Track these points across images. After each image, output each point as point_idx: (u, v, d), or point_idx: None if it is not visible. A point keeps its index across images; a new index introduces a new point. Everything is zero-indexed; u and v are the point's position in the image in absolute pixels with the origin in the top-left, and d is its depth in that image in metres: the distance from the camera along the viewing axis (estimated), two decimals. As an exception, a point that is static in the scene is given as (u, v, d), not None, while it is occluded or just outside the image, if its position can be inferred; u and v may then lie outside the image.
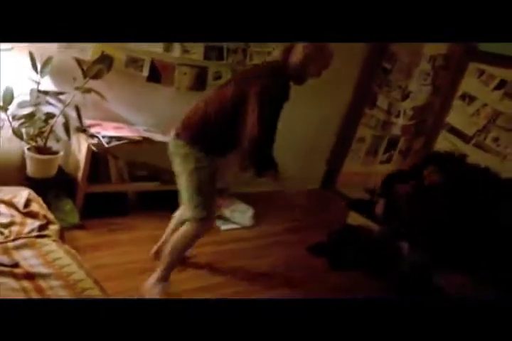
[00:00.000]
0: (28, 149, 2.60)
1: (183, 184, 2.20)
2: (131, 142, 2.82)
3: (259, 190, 3.73)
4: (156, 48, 2.95)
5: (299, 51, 2.06)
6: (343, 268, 3.05)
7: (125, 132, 2.86)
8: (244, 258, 2.92)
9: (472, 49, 3.79)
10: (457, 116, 3.88)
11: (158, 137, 3.01)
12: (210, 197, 2.20)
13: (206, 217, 2.18)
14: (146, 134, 2.97)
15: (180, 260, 2.35)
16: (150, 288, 2.22)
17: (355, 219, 3.48)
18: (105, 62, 2.64)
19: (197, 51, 3.14)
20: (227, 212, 3.38)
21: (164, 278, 2.25)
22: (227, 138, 2.14)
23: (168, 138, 3.03)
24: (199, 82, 3.26)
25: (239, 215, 3.40)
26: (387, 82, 4.50)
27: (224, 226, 3.28)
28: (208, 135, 2.14)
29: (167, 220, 3.08)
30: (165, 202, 3.22)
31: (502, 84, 3.53)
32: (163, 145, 3.00)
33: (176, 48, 3.03)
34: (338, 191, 4.53)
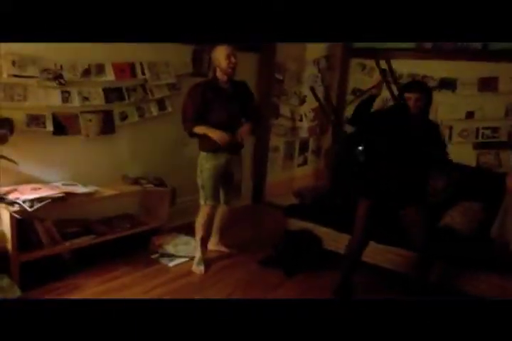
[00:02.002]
0: None
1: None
2: (54, 200, 2.69)
3: (193, 219, 3.72)
4: (54, 101, 2.87)
5: (218, 68, 2.98)
6: (297, 272, 3.14)
7: (45, 191, 2.72)
8: (202, 288, 2.90)
9: (348, 47, 4.15)
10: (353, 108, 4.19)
11: (79, 189, 2.91)
12: (210, 191, 3.08)
13: (205, 204, 3.10)
14: (67, 189, 2.85)
15: (206, 234, 3.21)
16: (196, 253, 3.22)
17: (294, 224, 3.60)
18: (5, 125, 2.52)
19: (96, 96, 3.10)
20: (170, 248, 3.33)
21: (203, 246, 3.21)
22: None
23: (91, 188, 2.97)
24: (107, 126, 3.22)
25: (183, 248, 3.36)
26: (283, 91, 4.76)
27: (171, 263, 3.21)
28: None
29: (109, 272, 2.97)
30: (103, 254, 3.12)
31: (383, 73, 3.89)
32: (88, 196, 2.93)
33: (75, 98, 2.97)
34: (269, 202, 4.66)
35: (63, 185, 2.95)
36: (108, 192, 3.08)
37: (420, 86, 2.67)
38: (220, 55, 2.92)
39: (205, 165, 3.03)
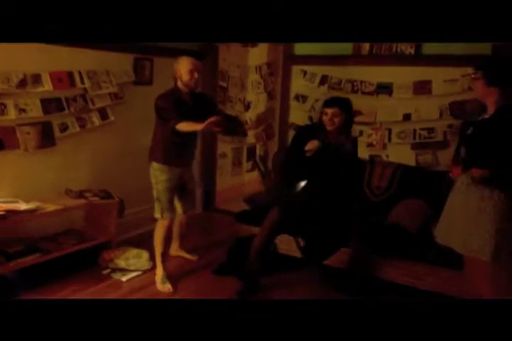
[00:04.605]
0: None
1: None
2: (-7, 219, 2.54)
3: (142, 231, 3.68)
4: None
5: (179, 80, 2.86)
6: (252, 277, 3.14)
7: (-18, 210, 2.55)
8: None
9: (290, 54, 4.23)
10: (297, 114, 4.27)
11: (22, 206, 2.76)
12: (166, 203, 2.98)
13: (162, 217, 3.00)
14: (8, 206, 2.69)
15: (166, 248, 3.15)
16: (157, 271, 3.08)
17: (246, 230, 3.59)
18: None
19: (34, 108, 2.96)
20: (121, 262, 3.22)
21: (164, 262, 3.10)
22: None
23: (33, 204, 2.81)
24: (46, 138, 3.07)
25: (135, 261, 3.26)
26: (228, 98, 4.78)
27: (124, 278, 3.12)
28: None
29: (58, 292, 2.82)
30: (51, 273, 2.97)
31: (324, 79, 4.01)
32: (30, 212, 2.78)
33: (10, 110, 2.82)
34: (220, 209, 4.63)
35: (3, 202, 2.78)
36: (51, 207, 2.93)
37: (338, 101, 2.69)
38: (183, 68, 2.82)
39: (160, 177, 2.92)
